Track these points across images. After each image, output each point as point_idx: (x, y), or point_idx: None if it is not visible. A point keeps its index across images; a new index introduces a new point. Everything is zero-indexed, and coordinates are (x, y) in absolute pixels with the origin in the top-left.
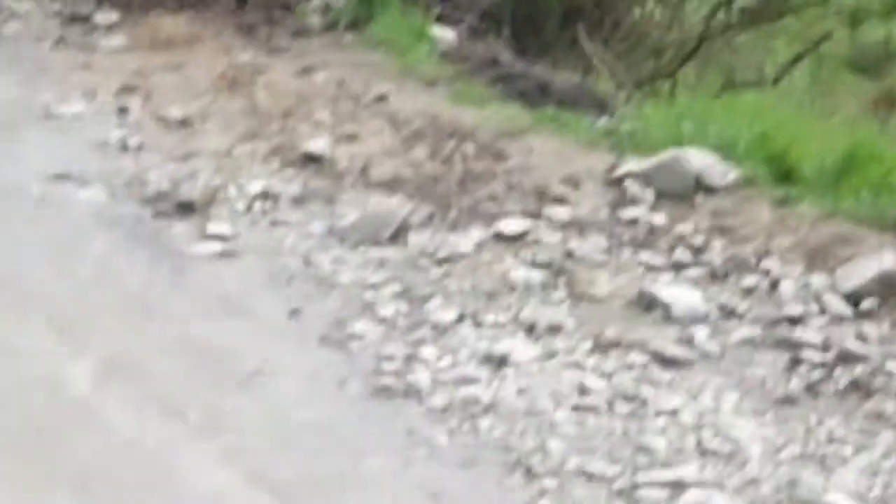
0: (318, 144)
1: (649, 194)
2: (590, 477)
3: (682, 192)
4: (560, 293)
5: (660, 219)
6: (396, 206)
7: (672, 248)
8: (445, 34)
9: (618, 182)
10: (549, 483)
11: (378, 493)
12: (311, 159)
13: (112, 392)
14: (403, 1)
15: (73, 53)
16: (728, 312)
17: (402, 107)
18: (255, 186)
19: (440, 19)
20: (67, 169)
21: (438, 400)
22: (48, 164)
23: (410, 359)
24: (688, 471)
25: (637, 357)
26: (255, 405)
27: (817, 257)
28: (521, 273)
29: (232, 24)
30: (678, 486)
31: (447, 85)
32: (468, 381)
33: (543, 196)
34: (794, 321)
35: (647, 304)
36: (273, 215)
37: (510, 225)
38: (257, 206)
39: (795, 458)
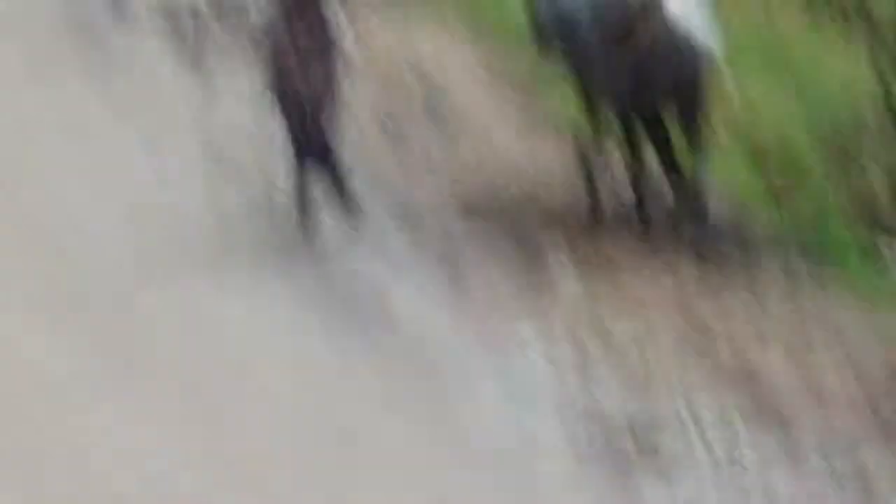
0: (772, 370)
1: None
2: None
3: None
4: None
5: None
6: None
7: None
8: None
9: None
10: None
11: None
12: (758, 382)
13: None
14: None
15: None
16: None
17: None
18: (710, 416)
19: None
20: (526, 427)
21: None
22: (505, 427)
23: None
24: None
25: None
26: None
27: None
28: None
29: (678, 245)
30: None
31: None
32: None
33: None
34: None
35: None
36: (733, 451)
37: None
38: (715, 437)
39: None
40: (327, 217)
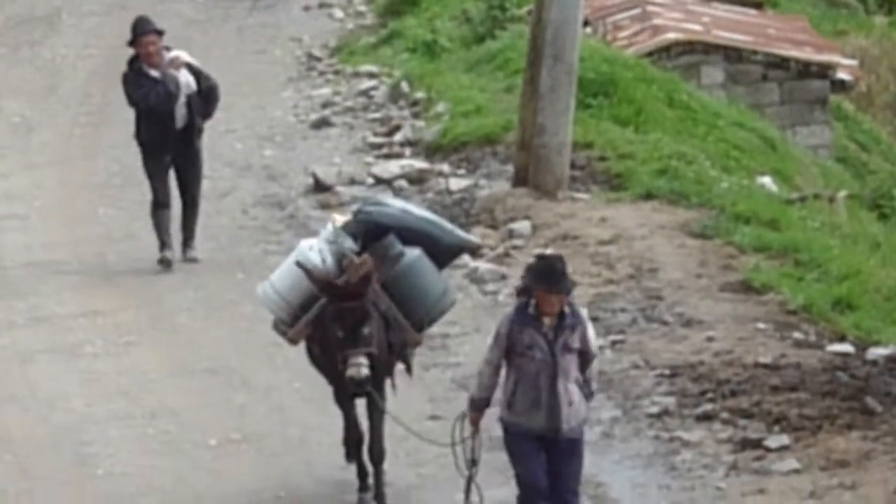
0: None
1: None
2: None
3: None
4: None
5: None
6: None
7: None
8: None
9: None
10: None
11: None
12: None
13: None
14: None
15: (746, 479)
16: None
17: None
18: None
19: None
20: None
21: None
22: None
23: None
24: None
25: None
26: None
27: None
28: None
29: None
30: None
31: None
32: None
33: None
34: None
35: None
36: None
37: None
38: None
39: None
40: None
